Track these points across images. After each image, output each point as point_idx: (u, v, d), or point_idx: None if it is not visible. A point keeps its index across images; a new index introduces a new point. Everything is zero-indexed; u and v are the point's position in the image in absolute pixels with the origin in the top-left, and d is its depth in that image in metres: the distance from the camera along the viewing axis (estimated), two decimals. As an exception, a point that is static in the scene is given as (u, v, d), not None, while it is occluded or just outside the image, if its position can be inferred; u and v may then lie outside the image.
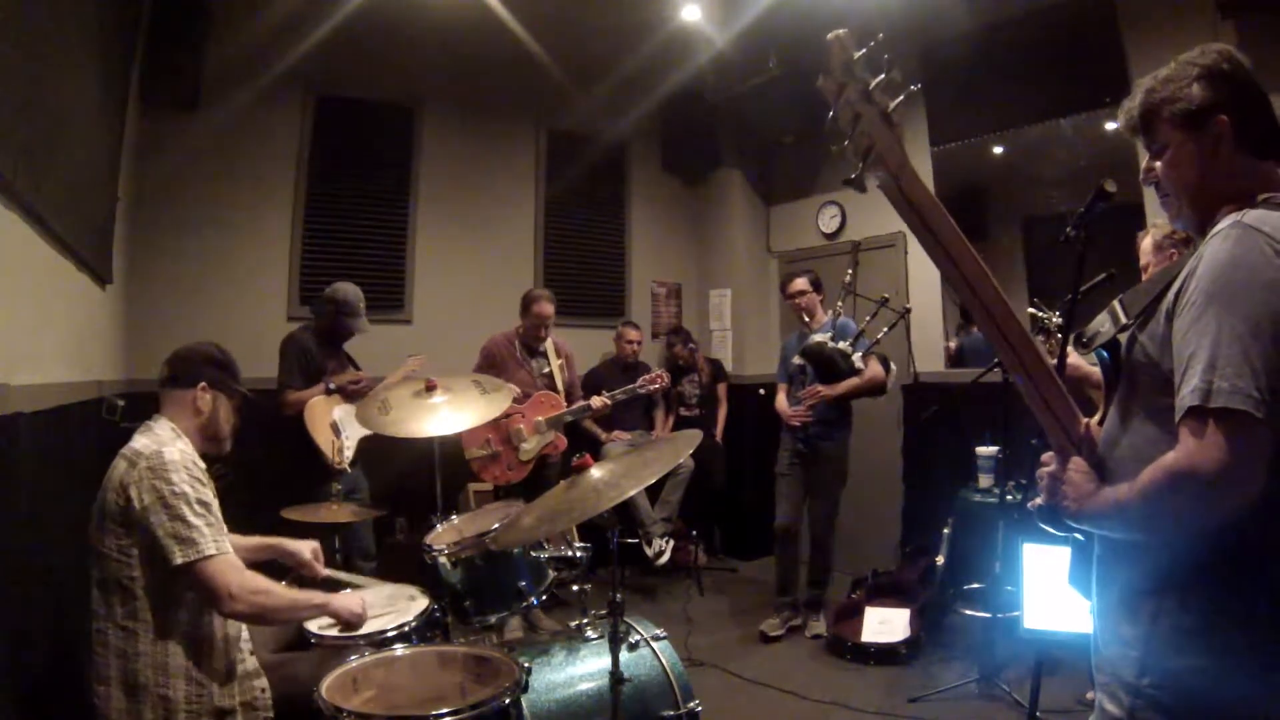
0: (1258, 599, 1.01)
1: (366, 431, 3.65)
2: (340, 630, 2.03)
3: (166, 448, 1.77)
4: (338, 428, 3.59)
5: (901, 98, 1.11)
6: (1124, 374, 1.19)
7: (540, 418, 4.00)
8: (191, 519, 1.71)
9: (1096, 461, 1.16)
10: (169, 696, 1.70)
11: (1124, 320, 1.18)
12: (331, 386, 3.63)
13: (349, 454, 3.56)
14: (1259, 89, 1.15)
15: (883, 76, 1.10)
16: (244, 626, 1.90)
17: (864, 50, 1.10)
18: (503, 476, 3.97)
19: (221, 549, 1.75)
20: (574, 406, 4.13)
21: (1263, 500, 0.96)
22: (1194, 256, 1.08)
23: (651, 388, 4.30)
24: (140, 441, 1.80)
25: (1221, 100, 1.13)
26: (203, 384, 1.93)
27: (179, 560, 1.69)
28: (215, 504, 1.83)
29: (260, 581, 1.81)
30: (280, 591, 1.86)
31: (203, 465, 1.86)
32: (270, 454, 3.39)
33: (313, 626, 2.15)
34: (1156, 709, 1.07)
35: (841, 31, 1.11)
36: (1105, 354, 1.23)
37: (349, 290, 3.72)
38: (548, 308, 4.12)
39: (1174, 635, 1.06)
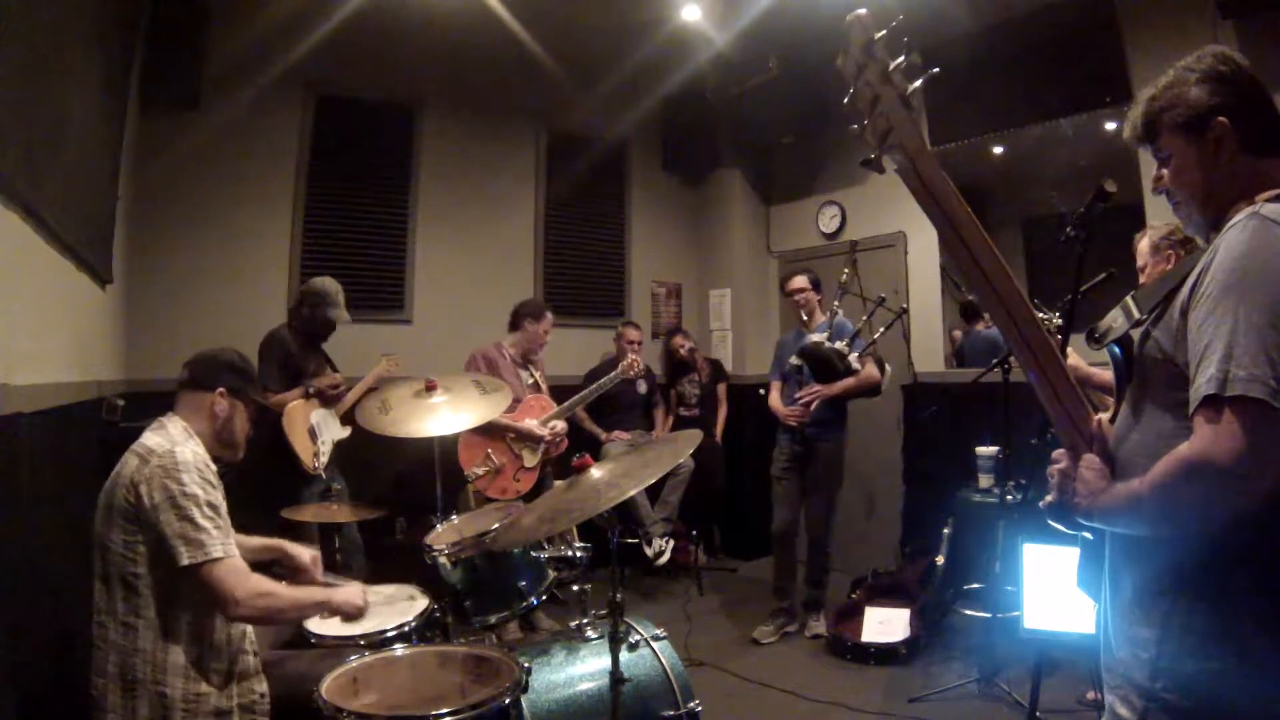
0: (1273, 599, 1.00)
1: (343, 435, 3.66)
2: (343, 620, 2.03)
3: (179, 447, 1.77)
4: (315, 432, 3.54)
5: (920, 81, 1.10)
6: (1137, 370, 1.18)
7: (537, 420, 3.97)
8: (200, 521, 1.72)
9: (1109, 459, 1.14)
10: (166, 694, 1.70)
11: (1137, 316, 1.17)
12: (311, 390, 3.57)
13: (324, 459, 3.52)
14: (1259, 88, 1.14)
15: (902, 59, 1.09)
16: (248, 628, 1.90)
17: (884, 31, 1.09)
18: (510, 489, 3.90)
19: (229, 552, 1.75)
20: (568, 402, 4.12)
21: (1278, 496, 0.95)
22: (1209, 250, 1.07)
23: (629, 374, 4.28)
24: (153, 439, 1.80)
25: (1220, 103, 1.12)
26: (221, 389, 1.93)
27: (186, 561, 1.69)
28: (224, 507, 1.83)
29: (265, 584, 1.81)
30: (284, 593, 1.86)
31: (214, 467, 1.86)
32: (255, 455, 3.37)
33: (313, 626, 2.16)
34: (1170, 712, 1.05)
35: (862, 11, 1.10)
36: (1118, 350, 1.22)
37: (325, 281, 3.67)
38: (550, 323, 4.16)
39: (1187, 637, 1.04)
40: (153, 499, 1.70)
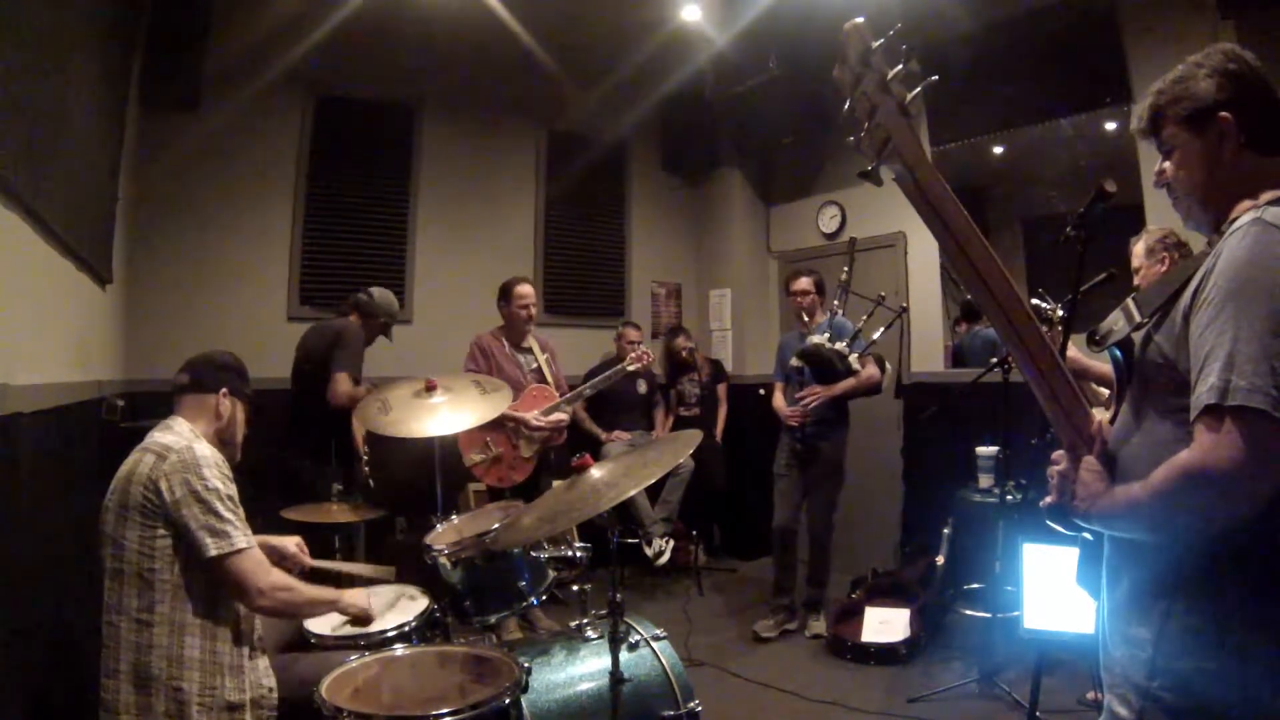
0: (1269, 600, 1.00)
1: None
2: (351, 625, 2.09)
3: (196, 444, 1.82)
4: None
5: (919, 89, 1.09)
6: (1137, 373, 1.18)
7: (537, 411, 3.97)
8: (224, 513, 1.77)
9: (1108, 460, 1.14)
10: (182, 689, 1.71)
11: (1138, 319, 1.17)
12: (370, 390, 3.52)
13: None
14: (1267, 86, 1.14)
15: (900, 67, 1.08)
16: (257, 623, 1.91)
17: (882, 40, 1.08)
18: (506, 478, 3.91)
19: (251, 544, 1.80)
20: (569, 394, 4.10)
21: (1276, 500, 0.95)
22: (1211, 255, 1.07)
23: (638, 365, 4.25)
24: (167, 438, 1.83)
25: (1226, 99, 1.12)
26: (224, 389, 1.97)
27: (213, 552, 1.73)
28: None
29: (285, 579, 1.87)
30: (302, 588, 1.92)
31: (227, 464, 1.90)
32: (273, 455, 3.38)
33: (314, 626, 2.16)
34: (1167, 711, 1.05)
35: (859, 20, 1.09)
36: (1119, 353, 1.21)
37: (394, 301, 3.86)
38: (528, 286, 4.04)
39: (1184, 637, 1.04)
40: (174, 494, 1.73)
